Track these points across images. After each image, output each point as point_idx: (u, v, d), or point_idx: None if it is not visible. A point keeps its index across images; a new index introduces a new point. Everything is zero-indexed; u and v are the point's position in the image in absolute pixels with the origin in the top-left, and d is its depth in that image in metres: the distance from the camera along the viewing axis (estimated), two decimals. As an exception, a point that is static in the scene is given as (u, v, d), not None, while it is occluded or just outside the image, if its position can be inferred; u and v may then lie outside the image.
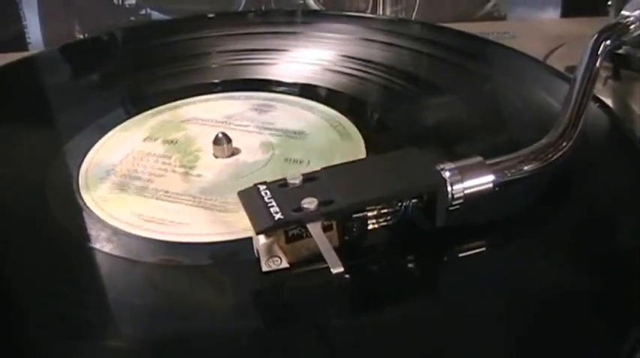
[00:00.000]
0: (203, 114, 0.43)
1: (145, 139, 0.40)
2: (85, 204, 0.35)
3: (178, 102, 0.44)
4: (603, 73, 0.45)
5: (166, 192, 0.36)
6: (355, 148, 0.39)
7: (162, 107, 0.44)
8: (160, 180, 0.37)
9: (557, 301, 0.28)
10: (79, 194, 0.36)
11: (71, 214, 0.35)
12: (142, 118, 0.43)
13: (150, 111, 0.43)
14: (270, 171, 0.37)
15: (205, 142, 0.39)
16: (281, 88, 0.45)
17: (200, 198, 0.35)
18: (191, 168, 0.38)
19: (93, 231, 0.33)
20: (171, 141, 0.40)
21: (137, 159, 0.39)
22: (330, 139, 0.40)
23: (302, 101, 0.44)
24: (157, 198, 0.35)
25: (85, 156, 0.39)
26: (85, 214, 0.34)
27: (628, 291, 0.28)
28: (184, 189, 0.36)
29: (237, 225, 0.33)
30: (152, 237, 0.33)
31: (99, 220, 0.34)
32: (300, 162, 0.38)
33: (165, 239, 0.32)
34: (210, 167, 0.38)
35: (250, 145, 0.39)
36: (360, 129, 0.40)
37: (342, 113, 0.42)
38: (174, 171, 0.37)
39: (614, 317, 0.27)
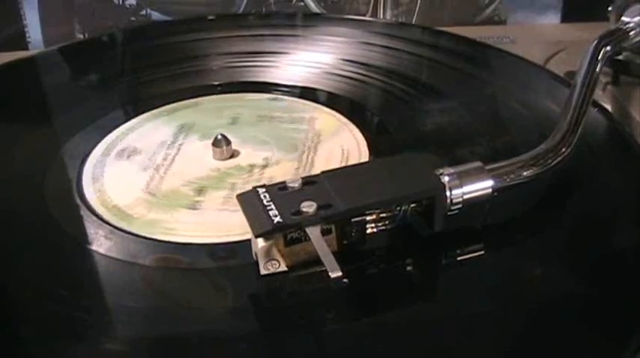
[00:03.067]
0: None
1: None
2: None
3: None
4: (603, 79, 0.45)
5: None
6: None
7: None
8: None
9: (556, 305, 0.28)
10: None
11: (70, 214, 0.34)
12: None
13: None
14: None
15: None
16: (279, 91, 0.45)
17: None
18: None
19: (92, 231, 0.33)
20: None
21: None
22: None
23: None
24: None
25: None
26: (83, 214, 0.34)
27: (628, 295, 0.28)
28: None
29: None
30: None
31: (97, 220, 0.34)
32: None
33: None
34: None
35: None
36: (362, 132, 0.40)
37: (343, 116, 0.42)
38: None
39: (613, 321, 0.27)
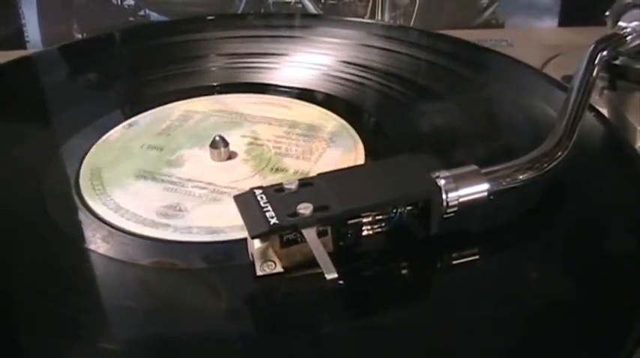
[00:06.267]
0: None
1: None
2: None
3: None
4: (600, 83, 0.45)
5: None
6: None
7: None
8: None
9: (552, 308, 0.28)
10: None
11: (68, 215, 0.35)
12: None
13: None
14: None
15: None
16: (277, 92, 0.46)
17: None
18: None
19: (89, 231, 0.33)
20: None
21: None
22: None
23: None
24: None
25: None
26: (81, 215, 0.34)
27: (624, 298, 0.28)
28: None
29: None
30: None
31: (95, 221, 0.34)
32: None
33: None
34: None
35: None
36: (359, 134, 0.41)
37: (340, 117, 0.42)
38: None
39: (610, 323, 0.27)
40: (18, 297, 0.30)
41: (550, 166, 0.33)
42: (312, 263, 0.28)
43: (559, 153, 0.33)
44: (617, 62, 0.45)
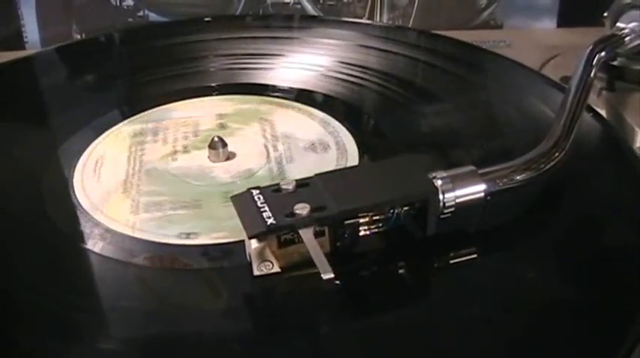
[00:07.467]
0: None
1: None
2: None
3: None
4: (598, 84, 0.45)
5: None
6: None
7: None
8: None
9: (550, 308, 0.28)
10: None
11: (66, 215, 0.35)
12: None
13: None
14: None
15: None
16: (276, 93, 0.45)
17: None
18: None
19: (88, 231, 0.33)
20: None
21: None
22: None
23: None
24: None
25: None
26: (80, 214, 0.34)
27: (622, 298, 0.28)
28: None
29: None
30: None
31: (93, 220, 0.34)
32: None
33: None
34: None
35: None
36: (354, 135, 0.40)
37: (337, 119, 0.42)
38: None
39: (607, 324, 0.27)
40: (17, 297, 0.30)
41: (547, 167, 0.33)
42: (310, 263, 0.28)
43: (556, 154, 0.33)
44: (615, 63, 0.45)
